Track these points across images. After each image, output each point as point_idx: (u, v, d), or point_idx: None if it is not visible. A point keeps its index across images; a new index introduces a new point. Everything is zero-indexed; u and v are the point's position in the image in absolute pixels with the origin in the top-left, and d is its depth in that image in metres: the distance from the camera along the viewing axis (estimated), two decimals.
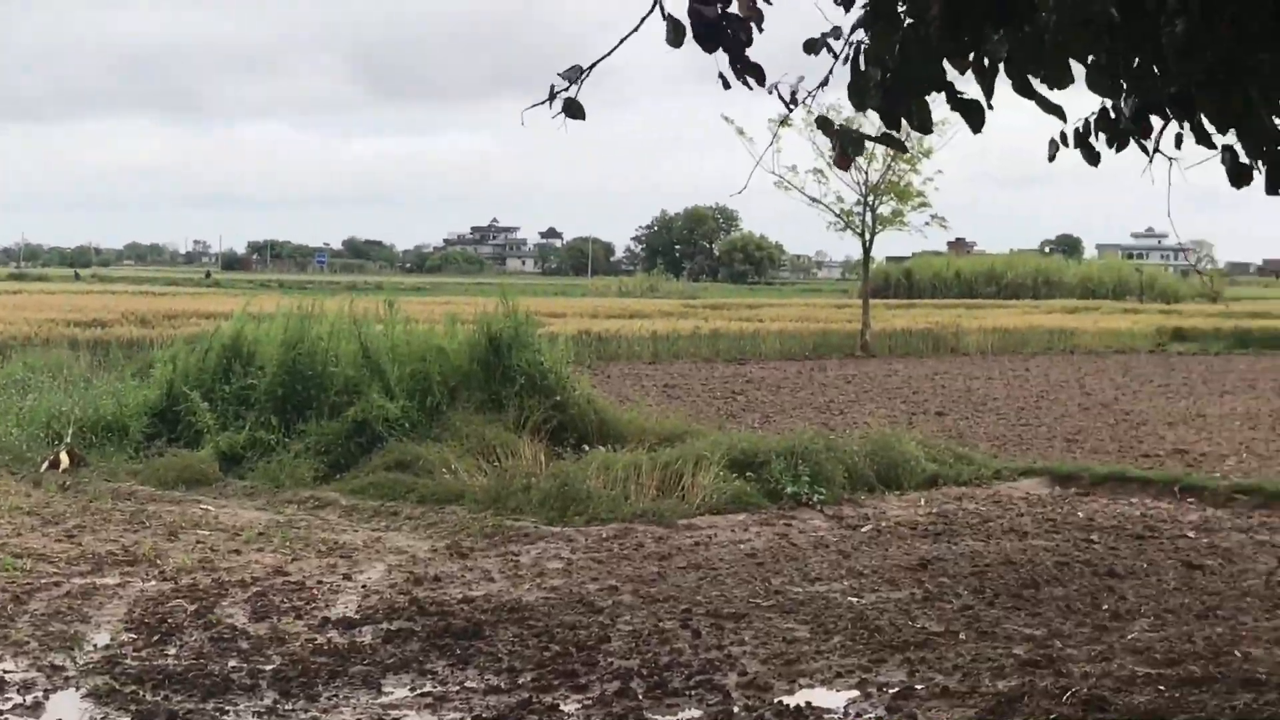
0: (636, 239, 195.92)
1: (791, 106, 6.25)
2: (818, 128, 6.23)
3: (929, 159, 47.88)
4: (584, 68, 6.29)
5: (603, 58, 6.32)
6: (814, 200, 48.90)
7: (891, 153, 46.86)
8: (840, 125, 6.22)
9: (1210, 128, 6.49)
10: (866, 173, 47.71)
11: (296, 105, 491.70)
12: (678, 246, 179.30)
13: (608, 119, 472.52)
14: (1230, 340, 56.20)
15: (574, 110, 6.31)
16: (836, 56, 6.22)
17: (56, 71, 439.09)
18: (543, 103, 6.26)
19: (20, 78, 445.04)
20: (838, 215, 49.59)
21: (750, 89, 6.06)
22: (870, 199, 48.58)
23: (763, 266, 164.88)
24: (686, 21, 5.91)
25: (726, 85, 6.12)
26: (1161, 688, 9.77)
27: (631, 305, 67.12)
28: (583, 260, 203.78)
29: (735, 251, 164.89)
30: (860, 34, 6.18)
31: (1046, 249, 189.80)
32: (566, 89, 6.25)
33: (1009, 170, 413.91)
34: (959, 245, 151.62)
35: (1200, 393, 34.86)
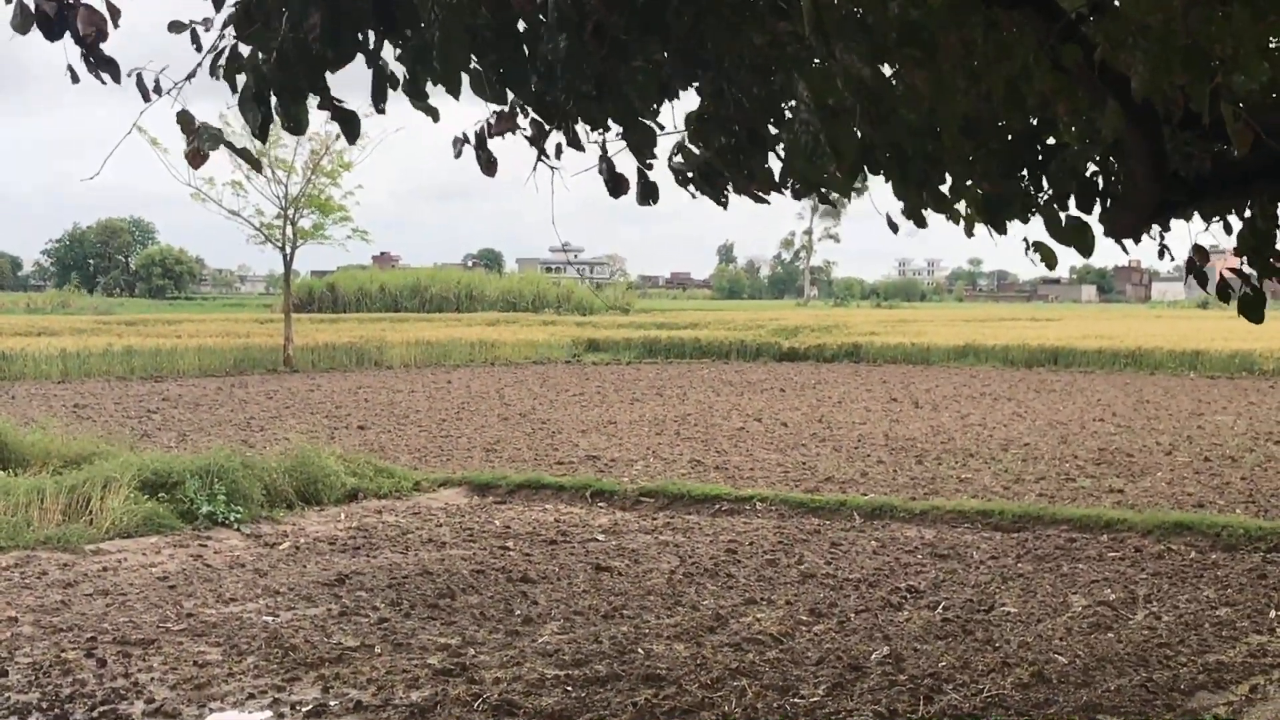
0: (46, 253, 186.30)
1: (150, 98, 6.07)
2: (178, 123, 6.06)
3: (349, 172, 47.92)
4: None
5: None
6: (233, 213, 47.94)
7: (311, 166, 46.63)
8: (202, 124, 6.09)
9: (595, 136, 6.78)
10: (286, 185, 47.23)
11: None
12: (91, 261, 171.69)
13: (12, 125, 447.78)
14: (640, 350, 58.98)
15: None
16: (203, 50, 6.11)
17: None
18: None
19: None
20: (257, 228, 48.81)
21: (104, 83, 5.85)
22: (290, 212, 48.05)
23: (183, 281, 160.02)
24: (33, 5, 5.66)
25: (75, 79, 5.89)
26: (569, 688, 10.11)
27: (40, 322, 63.80)
28: None
29: (153, 265, 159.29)
30: (230, 33, 6.10)
31: (469, 263, 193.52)
32: None
33: (434, 186, 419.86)
34: (384, 259, 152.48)
35: (612, 401, 36.34)
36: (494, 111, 6.65)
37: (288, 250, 49.34)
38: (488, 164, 6.70)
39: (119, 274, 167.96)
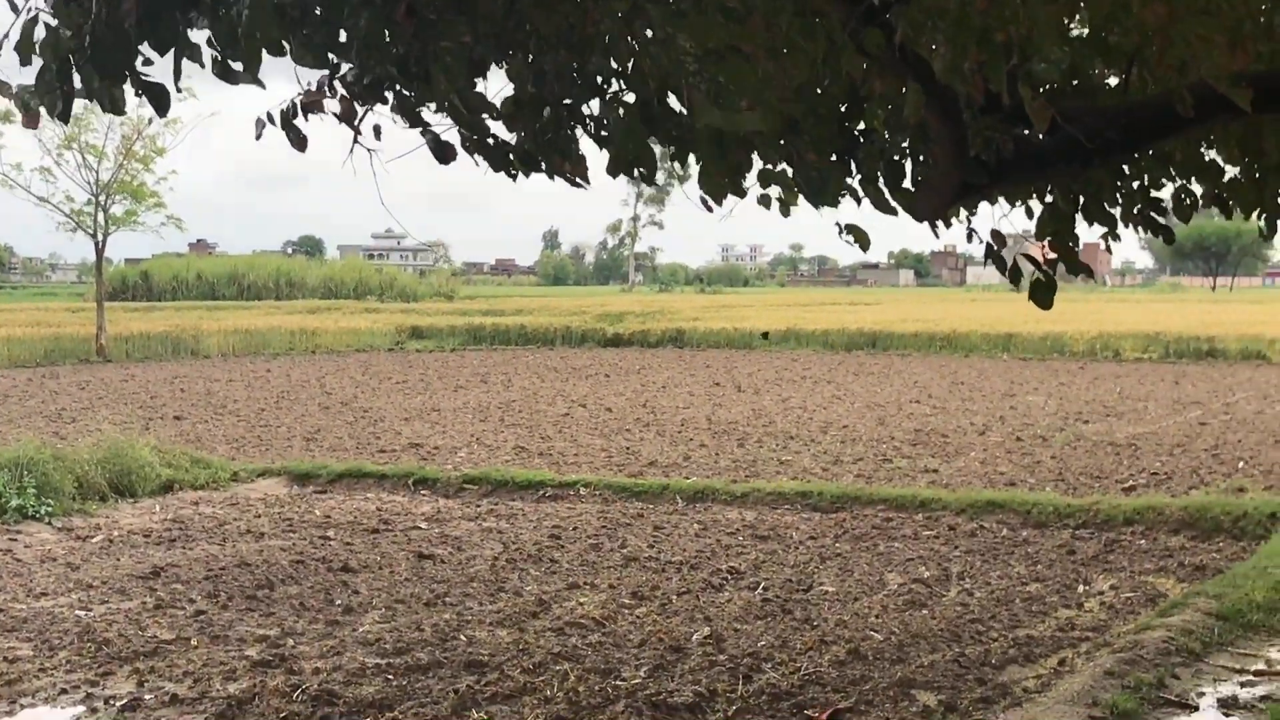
0: None
1: None
2: None
3: (163, 158, 46.99)
4: None
5: None
6: (42, 200, 46.75)
7: (123, 151, 45.63)
8: (18, 86, 5.95)
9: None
10: (98, 171, 46.16)
11: None
12: None
13: None
14: (465, 336, 58.73)
15: None
16: (18, 13, 5.96)
17: None
18: None
19: None
20: (68, 215, 47.63)
21: None
22: (102, 198, 46.97)
23: None
24: None
25: None
26: (390, 677, 10.05)
27: None
28: None
29: None
30: (44, 14, 5.96)
31: (289, 250, 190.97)
32: None
33: (252, 173, 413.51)
34: (200, 246, 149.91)
35: (436, 388, 36.15)
36: (302, 92, 6.56)
37: (99, 238, 48.22)
38: (298, 140, 6.61)
39: None
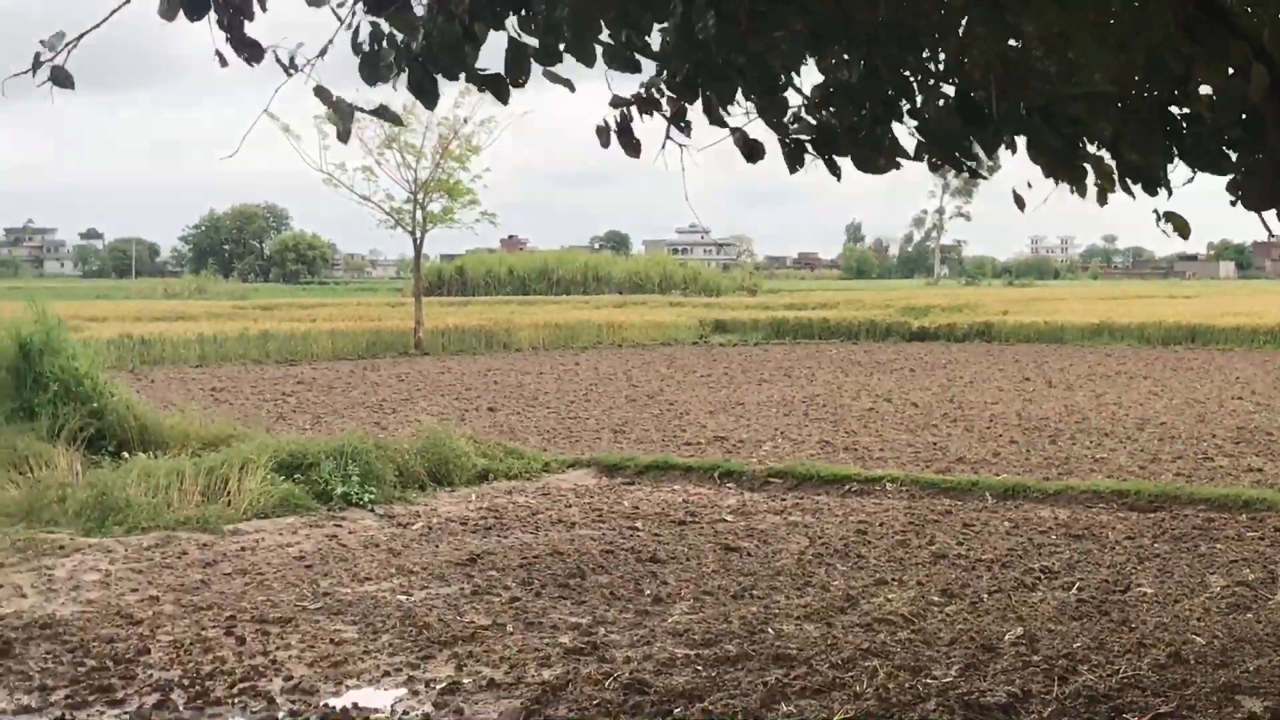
0: (184, 239, 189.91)
1: (291, 72, 6.16)
2: (315, 96, 6.16)
3: (477, 156, 48.27)
4: (66, 35, 6.06)
5: (90, 30, 6.09)
6: (364, 198, 48.57)
7: (440, 150, 47.03)
8: (338, 98, 6.18)
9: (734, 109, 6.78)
10: (416, 170, 47.73)
11: None
12: (227, 246, 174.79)
13: (154, 116, 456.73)
14: (768, 331, 58.84)
15: (62, 79, 6.07)
16: (342, 22, 6.19)
17: None
18: (26, 71, 5.98)
19: None
20: (388, 213, 49.40)
21: (251, 65, 5.96)
22: (420, 196, 48.55)
23: (315, 266, 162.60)
24: None
25: (223, 62, 6.00)
26: (699, 668, 10.12)
27: (178, 307, 65.09)
28: (126, 262, 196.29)
29: (287, 251, 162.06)
30: (360, 9, 6.18)
31: (596, 245, 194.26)
32: (52, 57, 5.99)
33: (561, 169, 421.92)
34: (512, 242, 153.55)
35: (739, 382, 36.31)
36: (634, 95, 6.67)
37: (418, 235, 49.88)
38: (632, 147, 6.73)
39: (254, 259, 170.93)
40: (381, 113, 6.52)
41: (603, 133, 6.85)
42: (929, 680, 9.79)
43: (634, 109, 6.84)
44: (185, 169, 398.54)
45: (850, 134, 6.71)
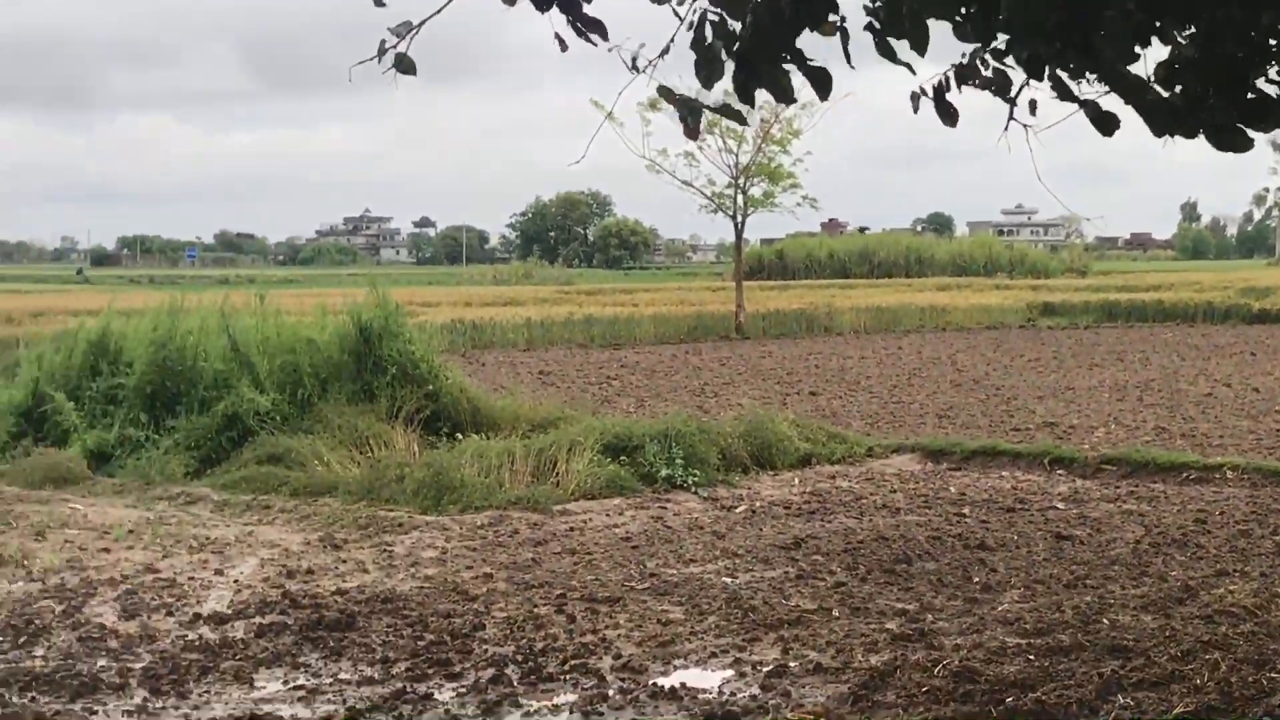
0: (511, 226, 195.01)
1: (635, 72, 6.22)
2: (659, 96, 6.20)
3: (798, 140, 48.21)
4: (414, 23, 6.23)
5: (432, 15, 6.25)
6: (685, 184, 49.07)
7: (761, 135, 47.13)
8: (681, 95, 6.21)
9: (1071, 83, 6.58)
10: (737, 155, 47.97)
11: (182, 97, 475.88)
12: (552, 233, 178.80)
13: (483, 107, 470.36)
14: (1099, 313, 57.16)
15: (405, 65, 6.24)
16: (682, 20, 6.22)
17: None
18: (372, 59, 6.18)
19: None
20: (709, 198, 49.77)
21: (594, 45, 6.03)
22: (741, 181, 48.77)
23: (637, 251, 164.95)
24: None
25: (564, 46, 6.08)
26: (1031, 657, 9.89)
27: (506, 293, 66.90)
28: (457, 249, 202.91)
29: (610, 237, 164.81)
30: (703, 2, 6.19)
31: (918, 228, 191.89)
32: (396, 44, 6.18)
33: (882, 151, 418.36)
34: (832, 226, 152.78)
35: (1069, 366, 35.41)
36: (953, 65, 6.54)
37: (739, 219, 50.12)
38: (948, 115, 6.59)
39: (578, 245, 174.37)
40: (725, 110, 6.53)
41: (915, 99, 6.74)
42: (1275, 674, 9.35)
43: (952, 78, 6.70)
44: (512, 157, 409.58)
45: (1195, 109, 6.44)
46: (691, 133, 6.28)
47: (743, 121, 6.84)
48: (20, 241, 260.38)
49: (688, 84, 6.71)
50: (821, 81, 6.32)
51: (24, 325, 39.01)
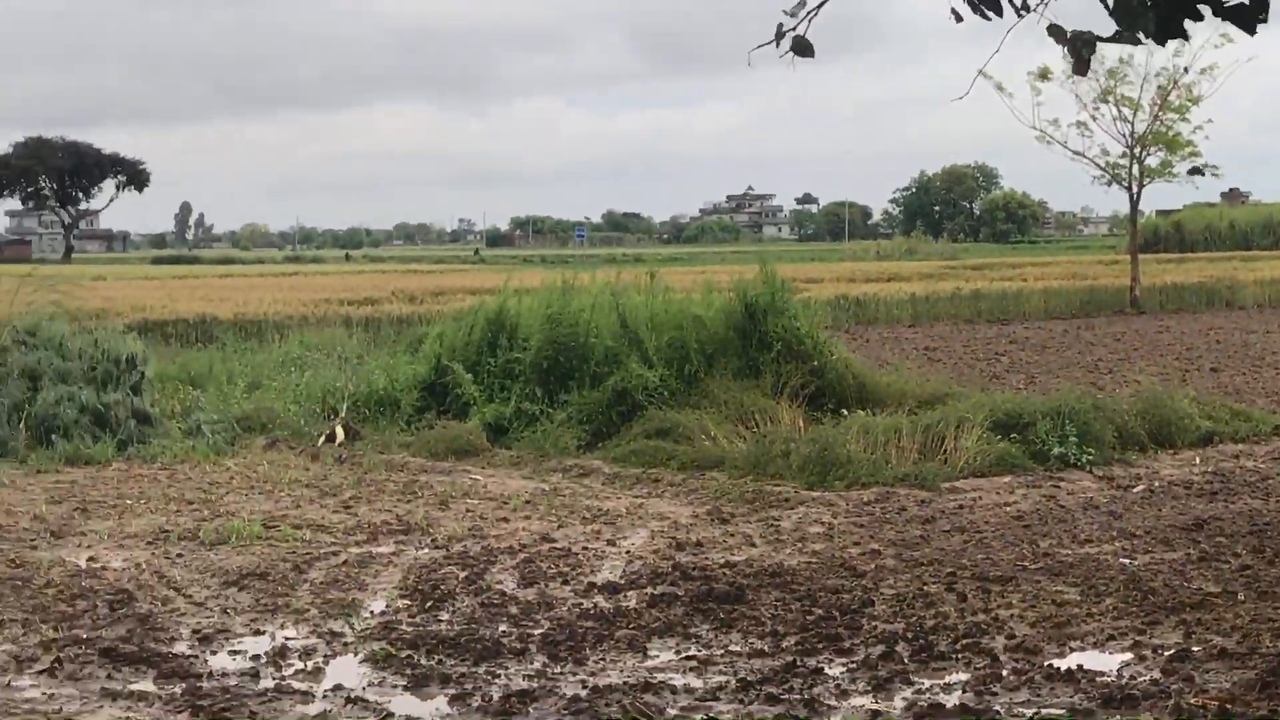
0: (894, 201, 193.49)
1: (1023, 13, 6.06)
2: (1049, 35, 6.01)
3: (1198, 106, 46.25)
4: (810, 5, 6.22)
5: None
6: (1077, 154, 47.71)
7: (1158, 102, 45.42)
8: (1073, 31, 6.01)
9: None
10: (1133, 123, 46.34)
11: (573, 81, 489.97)
12: (936, 207, 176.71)
13: (865, 81, 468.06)
14: None
15: (802, 48, 6.24)
16: None
17: (333, 56, 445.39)
18: (770, 42, 6.19)
19: (297, 64, 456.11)
20: (1102, 169, 48.27)
21: (988, 19, 5.90)
22: (1137, 150, 47.12)
23: (1025, 225, 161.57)
24: None
25: (958, 18, 5.97)
26: None
27: (889, 268, 66.39)
28: (839, 225, 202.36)
29: (996, 210, 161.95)
30: None
31: None
32: (793, 27, 6.18)
33: None
34: (1233, 196, 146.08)
35: None
36: None
37: (1134, 190, 48.44)
38: None
39: (963, 219, 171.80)
40: (1121, 37, 6.28)
41: None
42: None
43: None
44: (893, 132, 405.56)
45: None
46: (1081, 68, 6.08)
47: (1136, 43, 6.52)
48: (421, 224, 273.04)
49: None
50: (1244, 18, 6.01)
51: (426, 304, 40.74)
